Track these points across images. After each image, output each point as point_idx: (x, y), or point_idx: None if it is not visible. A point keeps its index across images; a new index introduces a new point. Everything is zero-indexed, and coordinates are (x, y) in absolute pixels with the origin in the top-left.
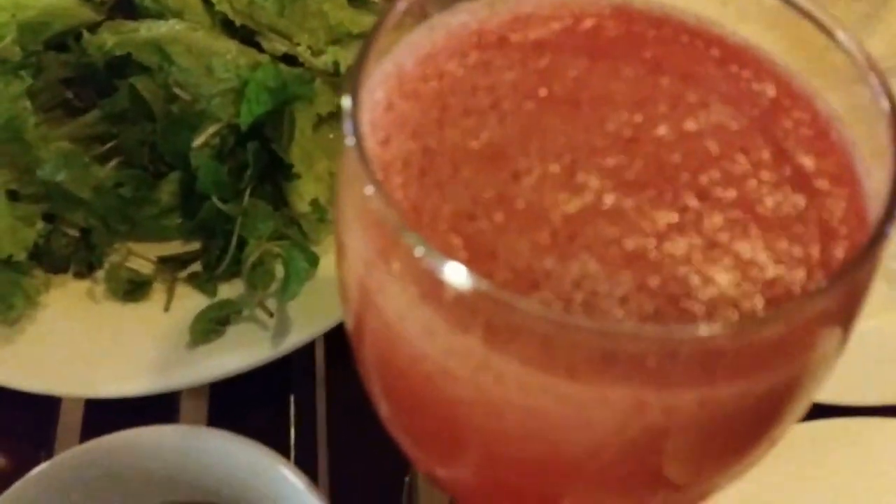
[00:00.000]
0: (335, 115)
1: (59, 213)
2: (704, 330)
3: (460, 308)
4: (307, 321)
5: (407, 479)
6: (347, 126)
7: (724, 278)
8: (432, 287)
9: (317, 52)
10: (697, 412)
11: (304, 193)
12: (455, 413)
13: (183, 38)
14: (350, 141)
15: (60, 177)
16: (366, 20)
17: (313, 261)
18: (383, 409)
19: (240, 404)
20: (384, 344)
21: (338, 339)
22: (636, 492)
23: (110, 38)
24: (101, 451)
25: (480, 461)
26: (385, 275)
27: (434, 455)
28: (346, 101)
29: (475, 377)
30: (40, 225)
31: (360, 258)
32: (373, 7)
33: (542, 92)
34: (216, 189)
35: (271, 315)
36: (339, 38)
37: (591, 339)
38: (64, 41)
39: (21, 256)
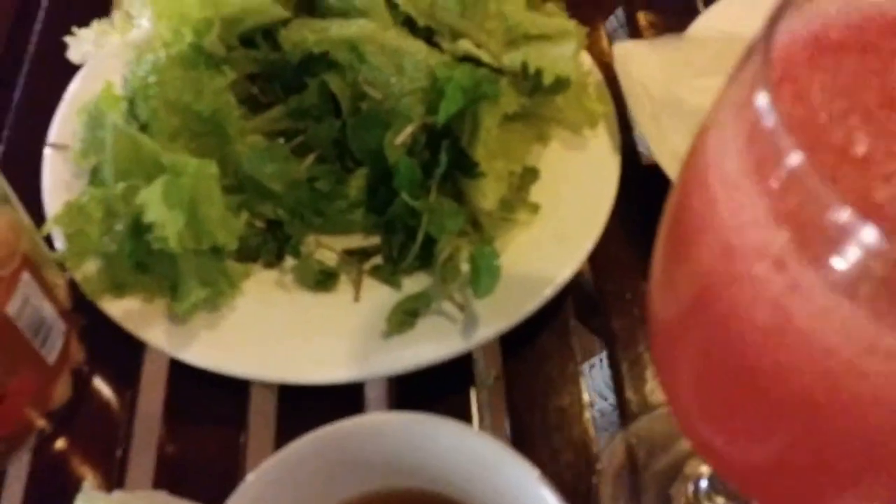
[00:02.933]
0: (516, 117)
1: (251, 206)
2: None
3: None
4: (493, 316)
5: (594, 479)
6: (769, 114)
7: None
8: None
9: (495, 54)
10: None
11: (487, 192)
12: (860, 412)
13: (376, 38)
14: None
15: (267, 170)
16: (542, 22)
17: (497, 258)
18: (711, 411)
19: (422, 395)
20: (760, 343)
21: (513, 336)
22: None
23: (310, 36)
24: (334, 437)
25: (843, 459)
26: (806, 272)
27: (769, 454)
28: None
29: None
30: (245, 216)
31: (765, 252)
32: (547, 10)
33: None
34: (409, 186)
35: (463, 308)
36: (515, 40)
37: None
38: (251, 37)
39: (233, 245)
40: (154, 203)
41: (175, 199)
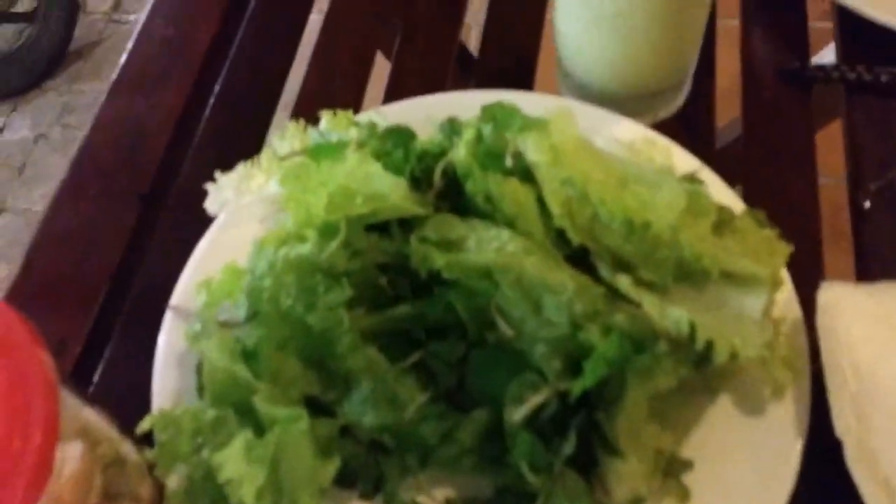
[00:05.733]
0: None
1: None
2: None
3: None
4: None
5: None
6: None
7: None
8: None
9: (661, 288)
10: None
11: (624, 475)
12: None
13: (514, 267)
14: None
15: (368, 420)
16: (727, 260)
17: None
18: None
19: None
20: None
21: None
22: None
23: (439, 258)
24: None
25: None
26: None
27: None
28: None
29: None
30: (337, 461)
31: None
32: (743, 234)
33: None
34: (528, 462)
35: None
36: (689, 275)
37: None
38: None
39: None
40: (233, 460)
41: (257, 456)
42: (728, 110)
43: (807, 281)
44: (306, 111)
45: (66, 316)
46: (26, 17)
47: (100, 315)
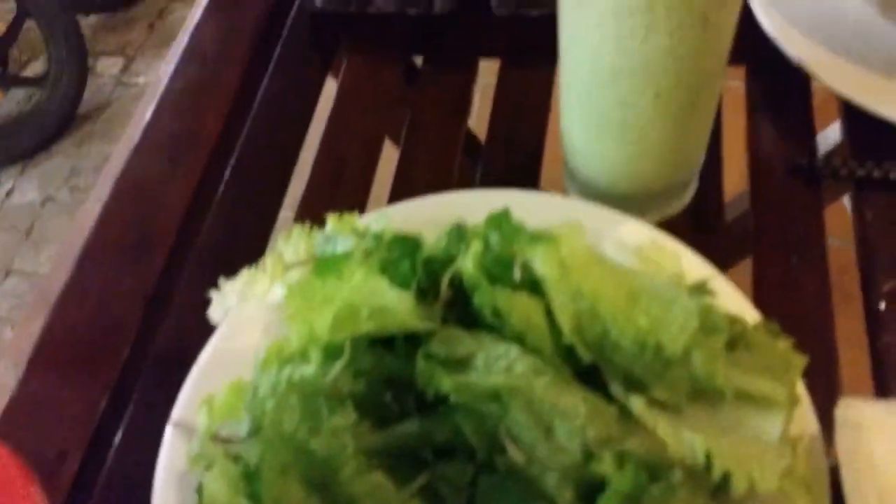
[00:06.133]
0: None
1: None
2: None
3: None
4: None
5: None
6: None
7: None
8: None
9: (674, 409)
10: None
11: None
12: None
13: (524, 389)
14: None
15: None
16: (740, 380)
17: None
18: None
19: None
20: None
21: None
22: None
23: (446, 381)
24: None
25: None
26: None
27: None
28: None
29: None
30: None
31: None
32: (757, 348)
33: None
34: None
35: None
36: (704, 393)
37: None
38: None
39: None
40: None
41: None
42: (734, 183)
43: (823, 388)
44: (316, 198)
45: (66, 426)
46: (37, 82)
47: (100, 425)
